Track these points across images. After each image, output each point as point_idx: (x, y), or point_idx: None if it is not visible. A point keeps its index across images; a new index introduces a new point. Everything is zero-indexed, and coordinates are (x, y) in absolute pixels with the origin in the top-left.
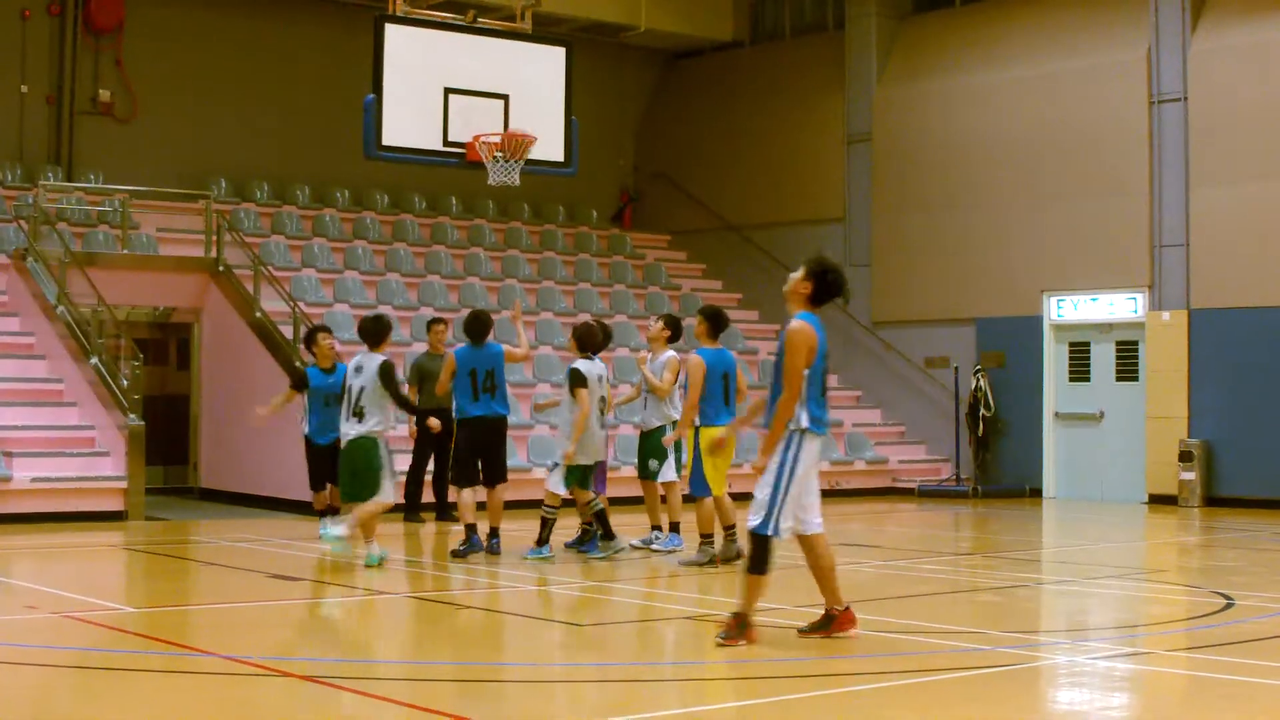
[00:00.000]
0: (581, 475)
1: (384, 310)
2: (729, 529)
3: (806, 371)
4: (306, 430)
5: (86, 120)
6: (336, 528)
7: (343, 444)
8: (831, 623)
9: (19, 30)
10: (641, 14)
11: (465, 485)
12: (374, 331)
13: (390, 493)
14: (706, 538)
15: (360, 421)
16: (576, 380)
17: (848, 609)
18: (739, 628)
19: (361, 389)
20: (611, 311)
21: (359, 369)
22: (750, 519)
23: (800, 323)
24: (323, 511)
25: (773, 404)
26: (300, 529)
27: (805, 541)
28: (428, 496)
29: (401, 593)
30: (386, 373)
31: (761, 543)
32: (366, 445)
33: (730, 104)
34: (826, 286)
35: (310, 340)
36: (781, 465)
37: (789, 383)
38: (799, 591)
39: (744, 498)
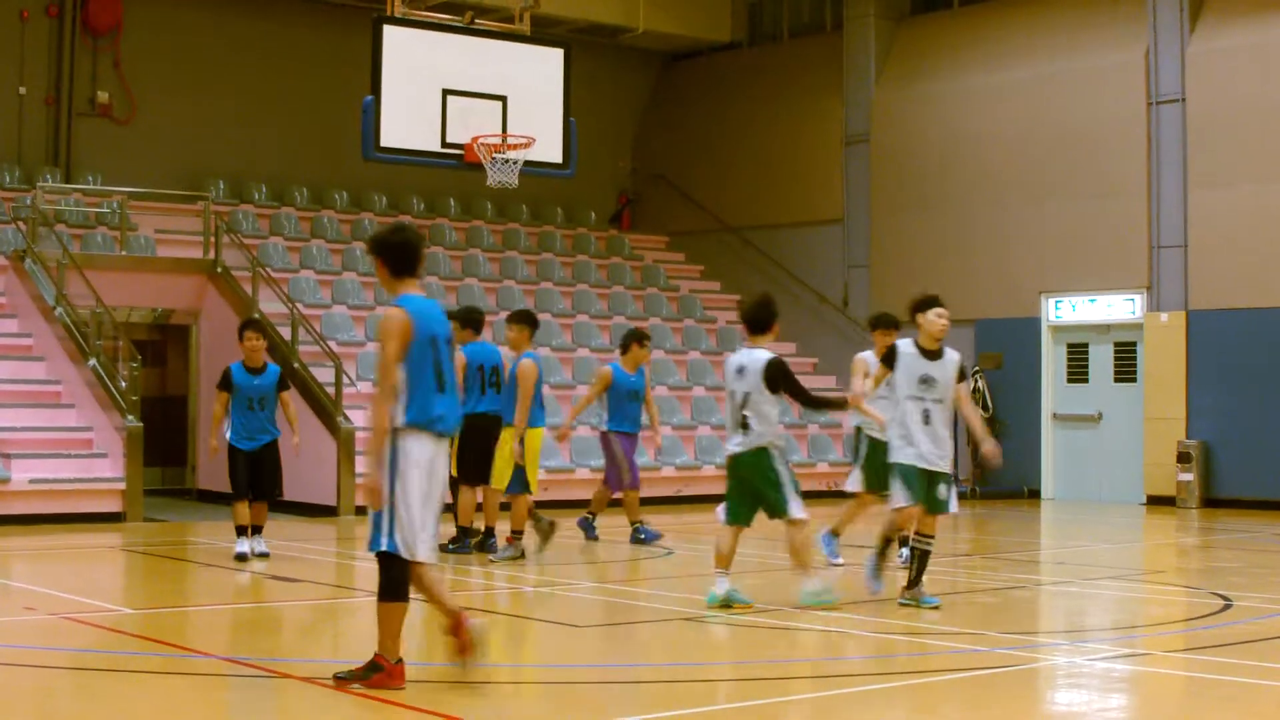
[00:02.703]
0: None
1: (381, 312)
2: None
3: (403, 362)
4: (229, 435)
5: (85, 121)
6: (812, 585)
7: (727, 459)
8: (375, 673)
9: (17, 31)
10: (639, 15)
11: (474, 484)
12: (760, 319)
13: (799, 509)
14: (518, 533)
15: (745, 433)
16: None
17: (400, 662)
18: (371, 670)
19: (746, 395)
20: (610, 313)
21: (741, 370)
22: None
23: (390, 309)
24: (242, 528)
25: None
26: (299, 530)
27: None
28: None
29: None
30: (773, 373)
31: (385, 562)
32: (754, 460)
33: (728, 105)
34: (403, 256)
35: (240, 335)
36: (389, 472)
37: (379, 375)
38: (798, 592)
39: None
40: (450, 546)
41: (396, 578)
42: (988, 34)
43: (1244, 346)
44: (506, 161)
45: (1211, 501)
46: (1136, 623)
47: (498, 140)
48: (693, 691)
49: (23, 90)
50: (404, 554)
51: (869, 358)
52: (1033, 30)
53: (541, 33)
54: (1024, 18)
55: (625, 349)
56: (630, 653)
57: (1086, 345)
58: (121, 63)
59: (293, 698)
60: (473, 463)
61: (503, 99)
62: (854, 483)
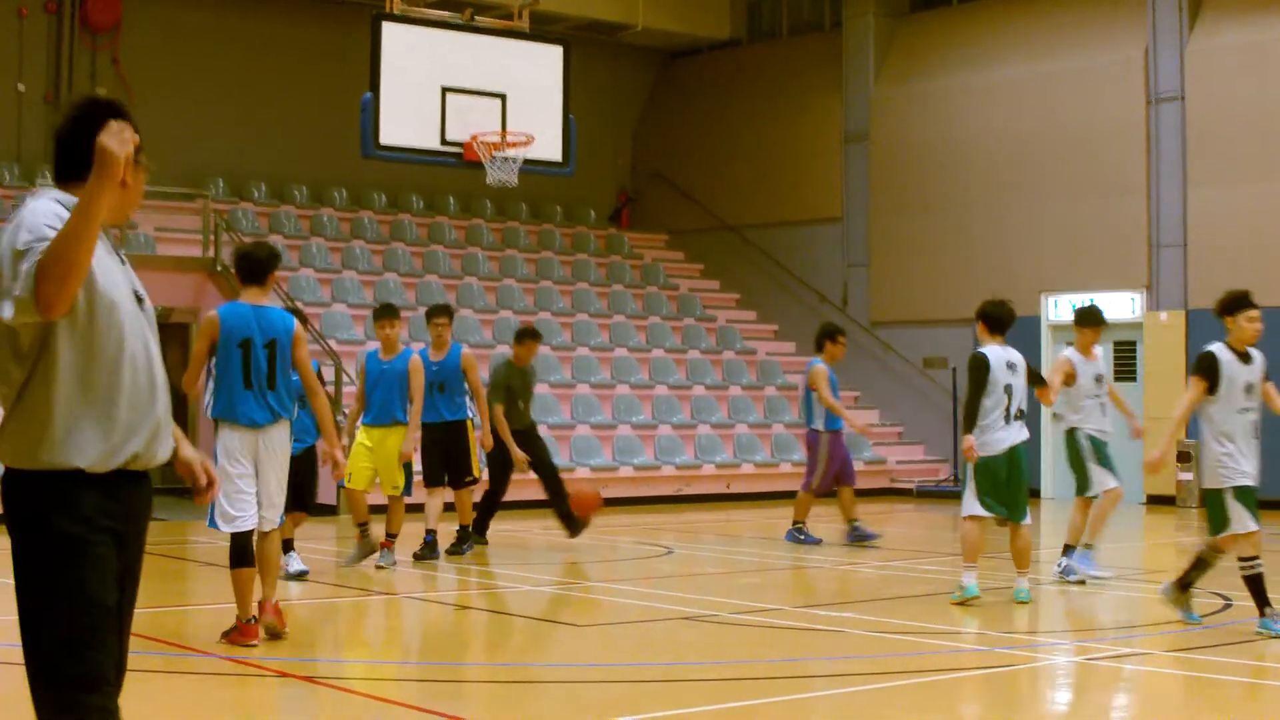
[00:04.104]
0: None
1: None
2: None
3: (214, 359)
4: None
5: None
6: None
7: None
8: (232, 631)
9: (16, 29)
10: (639, 13)
11: (434, 487)
12: (1003, 317)
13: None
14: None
15: (1024, 423)
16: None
17: (251, 622)
18: (234, 628)
19: (1022, 389)
20: (609, 311)
21: (1012, 365)
22: None
23: (209, 311)
24: (287, 543)
25: None
26: (298, 530)
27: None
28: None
29: (400, 593)
30: (1032, 369)
31: (231, 539)
32: (1024, 452)
33: (727, 103)
34: (245, 267)
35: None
36: (213, 458)
37: (189, 366)
38: (798, 592)
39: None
40: (464, 548)
41: (236, 548)
42: (987, 32)
43: None
44: (506, 159)
45: None
46: (1136, 622)
47: (497, 138)
48: (693, 691)
49: (21, 88)
50: (224, 528)
51: (1074, 356)
52: (1032, 28)
53: (541, 30)
54: (1023, 16)
55: (821, 346)
56: (631, 652)
57: None
58: (120, 60)
59: (293, 697)
60: (442, 465)
61: (502, 97)
62: (1101, 484)
